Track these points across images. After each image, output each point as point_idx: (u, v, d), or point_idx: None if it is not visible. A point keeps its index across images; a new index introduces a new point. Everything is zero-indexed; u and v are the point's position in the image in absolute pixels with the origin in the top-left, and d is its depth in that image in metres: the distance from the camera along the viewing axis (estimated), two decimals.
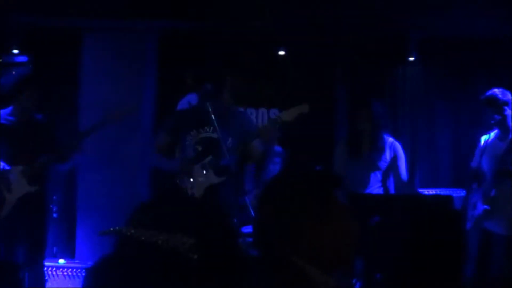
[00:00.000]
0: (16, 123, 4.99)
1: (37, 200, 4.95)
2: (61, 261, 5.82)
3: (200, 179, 4.69)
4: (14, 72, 6.19)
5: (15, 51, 6.39)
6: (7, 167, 4.85)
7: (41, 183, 4.96)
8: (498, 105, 5.03)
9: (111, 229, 1.28)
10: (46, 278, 5.31)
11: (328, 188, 1.82)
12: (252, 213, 4.65)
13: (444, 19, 6.10)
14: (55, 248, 6.07)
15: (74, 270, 5.72)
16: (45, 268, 5.28)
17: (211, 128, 4.73)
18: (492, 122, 5.09)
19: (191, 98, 5.94)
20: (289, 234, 1.75)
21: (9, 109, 5.04)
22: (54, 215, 5.98)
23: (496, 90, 5.09)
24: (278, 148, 6.44)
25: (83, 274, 5.67)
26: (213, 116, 4.50)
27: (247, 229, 5.70)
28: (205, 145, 4.76)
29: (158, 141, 4.99)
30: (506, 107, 5.04)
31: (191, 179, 4.72)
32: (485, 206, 4.98)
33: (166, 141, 4.91)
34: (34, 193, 4.90)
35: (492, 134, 5.16)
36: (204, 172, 4.69)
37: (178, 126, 4.89)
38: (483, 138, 5.26)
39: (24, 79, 5.10)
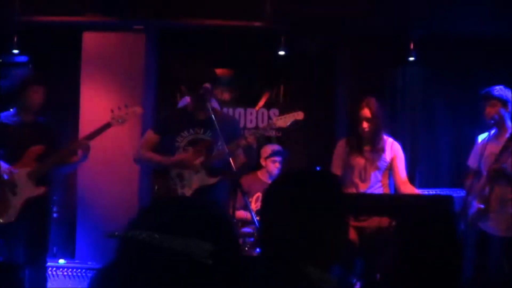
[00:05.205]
0: (21, 124, 4.95)
1: (43, 201, 4.92)
2: (61, 261, 5.82)
3: (192, 179, 4.68)
4: (13, 72, 6.18)
5: (15, 51, 6.40)
6: (13, 170, 4.82)
7: (47, 185, 4.93)
8: (493, 100, 5.04)
9: (116, 232, 1.24)
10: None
11: (327, 188, 1.83)
12: (252, 213, 4.64)
13: (444, 19, 6.10)
14: (55, 248, 6.07)
15: (74, 270, 5.72)
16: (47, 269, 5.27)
17: (202, 129, 4.74)
18: (492, 122, 5.09)
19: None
20: (291, 234, 1.76)
21: (13, 110, 5.02)
22: (54, 215, 5.98)
23: (496, 87, 5.09)
24: (278, 148, 6.45)
25: (83, 274, 5.68)
26: (212, 116, 4.49)
27: (247, 229, 5.72)
28: (196, 145, 4.75)
29: (144, 139, 4.93)
30: (501, 105, 5.04)
31: (183, 180, 4.71)
32: (480, 205, 4.98)
33: (153, 140, 4.86)
34: (41, 195, 4.86)
35: (492, 132, 5.16)
36: (196, 172, 4.68)
37: (168, 126, 4.84)
38: (480, 137, 5.26)
39: (28, 80, 5.03)
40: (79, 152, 4.93)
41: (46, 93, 5.00)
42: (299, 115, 4.80)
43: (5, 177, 4.75)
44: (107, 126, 4.91)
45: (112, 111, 4.94)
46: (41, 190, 4.85)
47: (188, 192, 4.68)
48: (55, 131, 5.15)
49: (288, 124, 4.81)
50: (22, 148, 4.85)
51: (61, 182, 6.27)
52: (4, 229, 4.81)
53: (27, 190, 4.81)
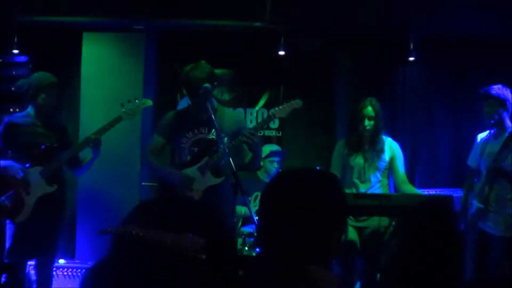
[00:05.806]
0: (33, 124, 4.95)
1: (56, 200, 4.92)
2: (61, 261, 5.82)
3: (200, 182, 4.66)
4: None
5: (15, 51, 6.40)
6: (26, 169, 4.82)
7: (59, 183, 4.94)
8: (491, 99, 5.04)
9: (109, 229, 1.25)
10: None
11: (324, 186, 1.83)
12: (253, 213, 4.64)
13: (444, 19, 6.10)
14: None
15: (74, 270, 5.72)
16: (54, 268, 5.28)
17: (207, 129, 4.71)
18: (491, 121, 5.09)
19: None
20: (290, 234, 1.76)
21: (27, 110, 5.02)
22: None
23: (494, 87, 5.09)
24: (277, 148, 6.45)
25: (84, 274, 5.68)
26: (212, 116, 4.46)
27: (248, 229, 5.72)
28: (201, 146, 4.72)
29: (151, 143, 4.86)
30: (500, 105, 5.04)
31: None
32: (479, 205, 4.98)
33: (160, 144, 4.80)
34: (53, 193, 4.87)
35: (491, 131, 5.16)
36: (202, 173, 4.65)
37: (172, 128, 4.78)
38: (480, 136, 5.27)
39: (46, 80, 5.01)
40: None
41: (58, 94, 5.04)
42: (298, 104, 4.76)
43: (18, 176, 4.77)
44: (118, 119, 4.92)
45: (122, 104, 4.95)
46: (53, 187, 4.86)
47: (196, 194, 4.63)
48: (67, 130, 5.18)
49: (288, 113, 4.78)
50: (34, 147, 4.87)
51: None
52: (17, 227, 4.82)
53: (40, 189, 4.82)
